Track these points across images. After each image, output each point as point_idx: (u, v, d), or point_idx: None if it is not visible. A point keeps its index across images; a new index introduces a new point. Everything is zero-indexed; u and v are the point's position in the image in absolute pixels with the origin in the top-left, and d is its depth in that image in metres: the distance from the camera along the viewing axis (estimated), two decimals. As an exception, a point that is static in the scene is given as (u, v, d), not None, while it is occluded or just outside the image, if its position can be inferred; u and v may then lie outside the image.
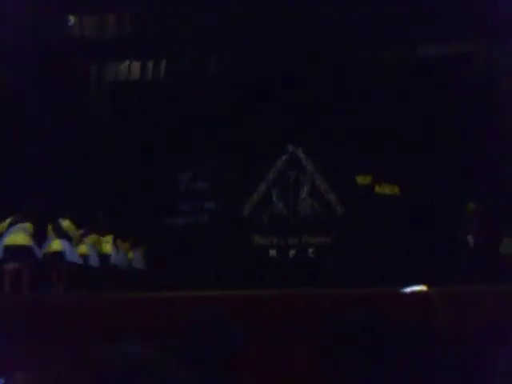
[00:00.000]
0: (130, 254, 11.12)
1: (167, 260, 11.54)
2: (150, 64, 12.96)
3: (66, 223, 8.66)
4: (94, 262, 9.45)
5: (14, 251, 7.62)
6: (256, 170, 12.37)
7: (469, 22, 10.77)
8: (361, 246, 11.18)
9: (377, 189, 11.79)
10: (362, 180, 11.83)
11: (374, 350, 1.80)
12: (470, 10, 10.51)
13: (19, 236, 7.70)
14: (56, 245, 8.39)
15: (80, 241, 9.18)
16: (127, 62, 12.92)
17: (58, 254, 8.34)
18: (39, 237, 8.33)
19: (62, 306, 4.12)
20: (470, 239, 9.67)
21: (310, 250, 12.01)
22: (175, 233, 12.31)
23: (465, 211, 9.89)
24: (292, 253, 12.10)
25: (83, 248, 9.22)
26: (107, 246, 10.17)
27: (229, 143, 12.08)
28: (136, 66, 12.93)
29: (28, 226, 7.86)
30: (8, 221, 7.88)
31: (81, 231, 9.31)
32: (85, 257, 9.17)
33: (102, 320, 3.52)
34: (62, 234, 8.49)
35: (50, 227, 8.54)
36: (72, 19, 11.72)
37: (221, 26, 11.39)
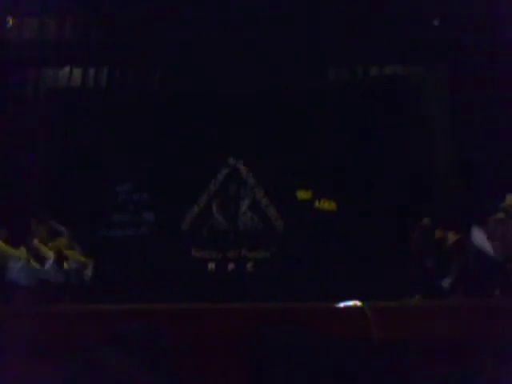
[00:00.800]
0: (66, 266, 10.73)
1: (103, 273, 11.22)
2: (92, 70, 12.68)
3: None
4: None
5: None
6: (196, 182, 12.28)
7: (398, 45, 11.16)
8: (300, 261, 11.26)
9: (316, 204, 11.93)
10: (302, 195, 11.95)
11: (308, 365, 1.77)
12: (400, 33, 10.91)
13: None
14: None
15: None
16: (68, 67, 12.60)
17: None
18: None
19: None
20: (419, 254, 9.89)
21: (249, 264, 11.99)
22: (112, 245, 12.02)
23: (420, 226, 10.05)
24: (231, 266, 12.04)
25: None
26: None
27: (169, 155, 11.96)
28: (77, 71, 12.63)
29: None
30: None
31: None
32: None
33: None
34: None
35: None
36: (11, 21, 11.39)
37: (165, 38, 11.33)
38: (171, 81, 12.45)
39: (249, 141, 12.12)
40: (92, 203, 11.90)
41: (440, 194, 11.38)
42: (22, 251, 9.70)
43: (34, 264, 9.68)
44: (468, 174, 10.79)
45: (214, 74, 11.94)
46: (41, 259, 9.69)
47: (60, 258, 10.21)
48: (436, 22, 11.18)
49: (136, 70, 12.56)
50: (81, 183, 11.76)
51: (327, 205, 11.94)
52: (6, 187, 10.71)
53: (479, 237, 8.42)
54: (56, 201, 11.59)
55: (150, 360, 1.83)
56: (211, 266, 12.07)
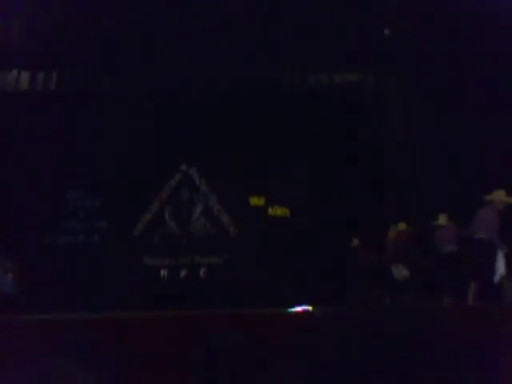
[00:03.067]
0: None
1: (51, 281, 10.93)
2: (41, 75, 12.40)
3: None
4: None
5: None
6: (149, 188, 12.16)
7: (357, 52, 11.34)
8: (252, 267, 11.27)
9: (269, 210, 11.99)
10: (255, 201, 11.99)
11: (257, 370, 1.77)
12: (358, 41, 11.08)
13: None
14: None
15: None
16: (16, 70, 12.29)
17: None
18: None
19: None
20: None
21: (202, 271, 11.94)
22: (61, 252, 11.75)
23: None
24: (183, 273, 11.96)
25: None
26: None
27: (122, 160, 11.81)
28: (25, 74, 12.33)
29: None
30: None
31: None
32: None
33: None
34: None
35: None
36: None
37: (117, 41, 11.21)
38: (123, 85, 12.31)
39: (201, 147, 12.08)
40: (41, 210, 11.62)
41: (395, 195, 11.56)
42: None
43: None
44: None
45: (166, 79, 11.88)
46: None
47: None
48: (386, 31, 11.39)
49: (86, 73, 12.34)
50: (29, 189, 11.48)
51: (280, 211, 12.01)
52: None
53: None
54: (3, 206, 11.28)
55: (96, 370, 1.80)
56: (164, 272, 11.96)
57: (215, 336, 1.85)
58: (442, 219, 9.42)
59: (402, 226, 9.99)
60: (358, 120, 12.09)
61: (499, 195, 7.74)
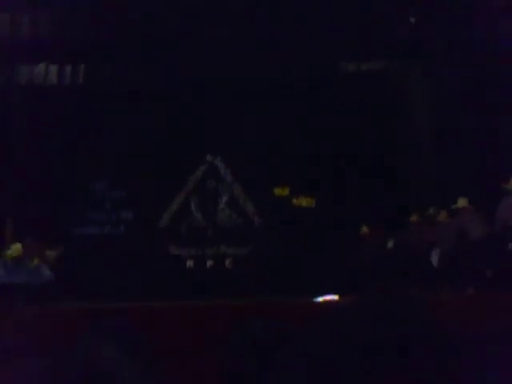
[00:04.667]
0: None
1: (79, 271, 11.09)
2: (68, 68, 12.53)
3: None
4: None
5: None
6: (174, 179, 12.23)
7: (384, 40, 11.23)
8: (278, 257, 11.29)
9: (294, 200, 11.99)
10: (279, 191, 11.98)
11: (286, 361, 1.78)
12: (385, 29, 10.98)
13: None
14: None
15: None
16: (43, 65, 12.43)
17: None
18: None
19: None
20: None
21: (228, 261, 11.99)
22: (89, 243, 11.91)
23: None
24: (209, 263, 12.03)
25: None
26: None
27: (148, 152, 11.90)
28: (53, 69, 12.47)
29: None
30: None
31: None
32: None
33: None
34: None
35: None
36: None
37: (139, 35, 11.26)
38: (148, 79, 12.37)
39: (226, 137, 12.10)
40: (68, 200, 11.79)
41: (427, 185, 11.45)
42: None
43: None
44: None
45: (191, 71, 11.90)
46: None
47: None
48: (412, 20, 11.26)
49: (112, 68, 12.45)
50: (57, 181, 11.65)
51: (305, 201, 12.00)
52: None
53: None
54: (31, 198, 11.47)
55: (129, 358, 1.82)
56: (189, 263, 12.04)
57: (244, 325, 1.86)
58: (462, 202, 9.05)
59: (461, 202, 9.16)
60: (384, 108, 11.98)
61: None
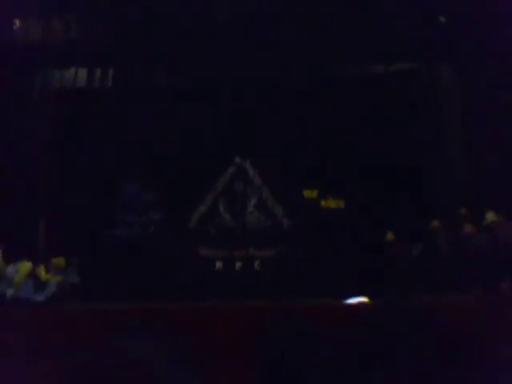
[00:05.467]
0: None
1: (109, 272, 11.25)
2: (98, 71, 12.72)
3: None
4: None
5: None
6: (204, 181, 12.31)
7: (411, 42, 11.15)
8: (306, 260, 11.27)
9: (323, 202, 11.95)
10: (308, 194, 11.97)
11: (316, 363, 1.78)
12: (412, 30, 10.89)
13: None
14: None
15: None
16: (74, 68, 12.65)
17: None
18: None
19: None
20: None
21: (256, 263, 12.02)
22: (119, 244, 12.07)
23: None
24: (238, 265, 12.07)
25: None
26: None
27: (177, 154, 12.00)
28: (83, 72, 12.68)
29: None
30: None
31: None
32: None
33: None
34: None
35: None
36: (17, 23, 11.45)
37: (170, 37, 11.36)
38: (178, 80, 12.48)
39: (255, 140, 12.14)
40: (99, 202, 11.95)
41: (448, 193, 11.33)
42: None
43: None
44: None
45: (220, 73, 11.96)
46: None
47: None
48: (442, 19, 11.15)
49: (141, 70, 12.59)
50: (88, 182, 11.83)
51: (334, 203, 11.95)
52: (7, 190, 10.75)
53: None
54: (64, 200, 11.67)
55: (156, 359, 1.85)
56: (218, 264, 12.10)
57: (273, 327, 1.87)
58: (490, 216, 9.07)
59: (490, 216, 9.26)
60: (413, 110, 11.87)
61: None
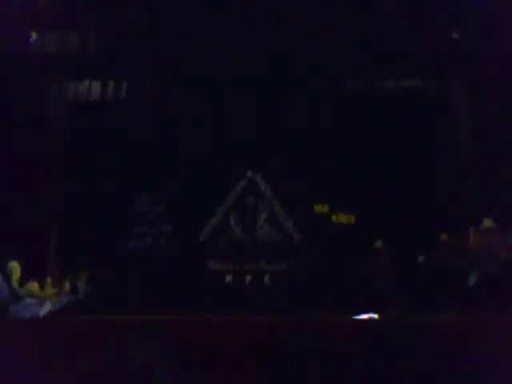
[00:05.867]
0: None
1: (119, 284, 11.28)
2: (111, 84, 12.84)
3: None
4: None
5: None
6: (215, 194, 12.35)
7: (421, 57, 11.18)
8: (316, 274, 11.25)
9: (333, 218, 11.95)
10: (319, 208, 11.97)
11: (326, 376, 1.79)
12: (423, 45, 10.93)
13: None
14: None
15: None
16: (88, 81, 12.78)
17: None
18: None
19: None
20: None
21: (267, 277, 12.00)
22: (131, 256, 12.10)
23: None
24: (248, 279, 12.06)
25: None
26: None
27: (188, 166, 12.06)
28: (96, 85, 12.81)
29: None
30: None
31: None
32: None
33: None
34: None
35: None
36: (34, 35, 11.60)
37: (184, 51, 11.46)
38: (191, 93, 12.57)
39: (267, 154, 12.17)
40: (111, 214, 12.01)
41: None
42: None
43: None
44: None
45: (232, 86, 12.04)
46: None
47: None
48: (455, 35, 11.18)
49: (154, 83, 12.71)
50: (100, 194, 11.90)
51: (344, 218, 11.94)
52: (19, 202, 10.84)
53: None
54: (75, 212, 11.75)
55: (165, 369, 1.87)
56: (228, 278, 12.09)
57: (282, 342, 1.89)
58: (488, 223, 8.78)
59: (487, 223, 8.98)
60: (425, 124, 11.88)
61: None
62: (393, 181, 11.56)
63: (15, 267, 8.06)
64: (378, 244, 10.64)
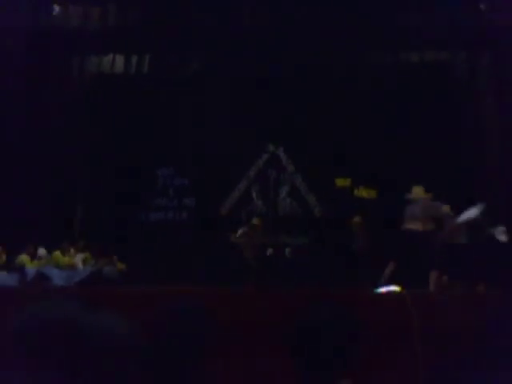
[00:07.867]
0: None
1: (143, 257, 11.41)
2: (134, 58, 12.85)
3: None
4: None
5: None
6: (236, 168, 12.37)
7: (445, 31, 10.99)
8: (337, 247, 11.26)
9: (355, 191, 11.90)
10: (340, 182, 11.92)
11: (348, 350, 1.82)
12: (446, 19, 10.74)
13: None
14: None
15: None
16: (111, 55, 12.80)
17: None
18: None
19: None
20: None
21: (288, 250, 12.05)
22: (153, 229, 12.23)
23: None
24: (269, 252, 12.12)
25: None
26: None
27: (211, 140, 12.07)
28: (120, 59, 12.82)
29: None
30: None
31: None
32: None
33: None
34: None
35: None
36: (57, 8, 11.63)
37: (207, 24, 11.41)
38: (214, 68, 12.52)
39: (288, 128, 12.13)
40: (133, 188, 12.12)
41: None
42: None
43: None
44: None
45: (255, 62, 11.97)
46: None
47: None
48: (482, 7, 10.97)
49: (177, 57, 12.68)
50: (122, 168, 12.00)
51: (366, 192, 11.88)
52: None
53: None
54: (96, 184, 11.90)
55: (193, 342, 1.91)
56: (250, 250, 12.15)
57: (306, 314, 1.92)
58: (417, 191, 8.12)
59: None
60: (450, 98, 11.72)
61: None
62: (414, 156, 11.45)
63: None
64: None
